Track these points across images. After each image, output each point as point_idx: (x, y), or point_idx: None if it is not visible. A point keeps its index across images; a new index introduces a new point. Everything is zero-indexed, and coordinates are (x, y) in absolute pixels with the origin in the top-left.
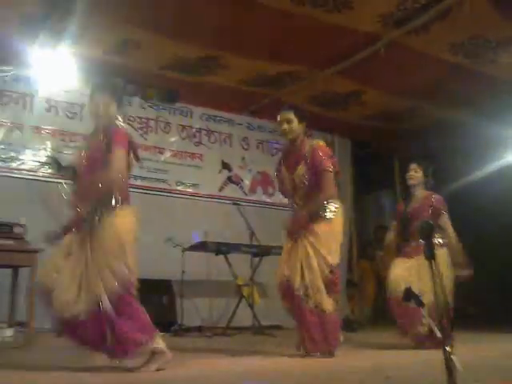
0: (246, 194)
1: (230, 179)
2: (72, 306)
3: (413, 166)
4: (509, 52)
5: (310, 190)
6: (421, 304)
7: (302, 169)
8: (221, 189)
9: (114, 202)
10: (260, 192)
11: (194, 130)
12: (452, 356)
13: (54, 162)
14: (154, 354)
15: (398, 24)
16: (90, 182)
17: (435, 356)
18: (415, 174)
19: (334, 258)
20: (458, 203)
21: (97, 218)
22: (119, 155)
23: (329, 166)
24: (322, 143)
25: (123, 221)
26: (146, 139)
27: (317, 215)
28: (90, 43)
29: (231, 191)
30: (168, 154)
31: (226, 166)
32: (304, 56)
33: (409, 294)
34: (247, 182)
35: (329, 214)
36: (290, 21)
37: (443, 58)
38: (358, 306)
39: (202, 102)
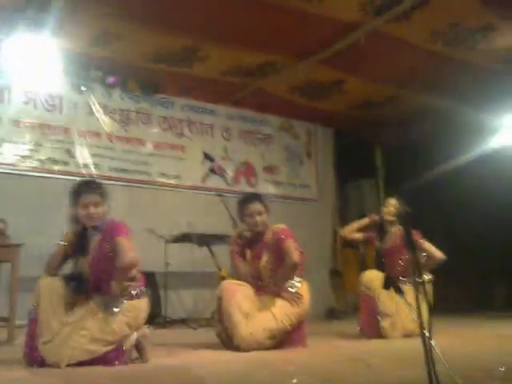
0: (229, 185)
1: (212, 170)
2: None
3: (392, 201)
4: (488, 38)
5: (276, 277)
6: (401, 292)
7: (266, 256)
8: (203, 180)
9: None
10: (243, 182)
11: (175, 121)
12: (431, 341)
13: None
14: None
15: (379, 12)
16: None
17: (416, 342)
18: (394, 210)
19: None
20: (440, 190)
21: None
22: (125, 242)
23: (290, 240)
24: (282, 226)
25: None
26: (126, 131)
27: (283, 289)
28: (68, 35)
29: (214, 182)
30: (150, 146)
31: (208, 156)
32: (284, 46)
33: (389, 282)
34: (230, 173)
35: (294, 289)
36: (270, 10)
37: (424, 46)
38: (342, 294)
39: (183, 93)
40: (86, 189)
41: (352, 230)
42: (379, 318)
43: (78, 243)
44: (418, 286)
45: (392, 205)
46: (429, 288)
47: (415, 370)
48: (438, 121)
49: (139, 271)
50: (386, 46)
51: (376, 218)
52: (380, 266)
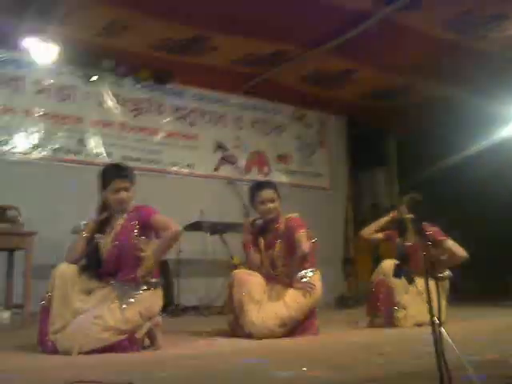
0: (241, 174)
1: (224, 159)
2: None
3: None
4: (500, 27)
5: (289, 265)
6: (412, 281)
7: (279, 245)
8: (216, 169)
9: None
10: (255, 171)
11: (187, 110)
12: (441, 329)
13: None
14: None
15: (390, 0)
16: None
17: (427, 331)
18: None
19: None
20: (452, 179)
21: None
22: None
23: (302, 230)
24: (295, 215)
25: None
26: (139, 120)
27: (295, 279)
28: (78, 24)
29: (226, 171)
30: (162, 135)
31: (220, 145)
32: (296, 34)
33: (400, 270)
34: (242, 162)
35: (306, 278)
36: None
37: (435, 34)
38: (355, 282)
39: (195, 83)
40: (118, 174)
41: (372, 231)
42: (395, 308)
43: (100, 228)
44: (429, 279)
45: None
46: (445, 284)
47: (427, 358)
48: (451, 109)
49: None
50: (397, 35)
51: (394, 215)
52: (402, 264)
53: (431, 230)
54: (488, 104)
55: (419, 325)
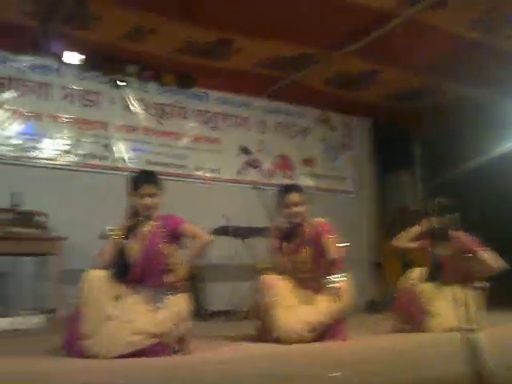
0: (266, 178)
1: (248, 163)
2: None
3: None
4: None
5: (317, 270)
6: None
7: (305, 252)
8: (240, 173)
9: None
10: (280, 175)
11: (211, 114)
12: (475, 335)
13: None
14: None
15: (414, 0)
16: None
17: (457, 337)
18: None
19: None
20: (479, 181)
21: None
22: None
23: (330, 235)
24: (323, 220)
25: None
26: (163, 125)
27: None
28: (104, 30)
29: (250, 175)
30: (186, 140)
31: (244, 149)
32: (320, 37)
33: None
34: (266, 166)
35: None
36: (305, 1)
37: (461, 34)
38: (383, 287)
39: (219, 86)
40: (146, 180)
41: (404, 241)
42: (424, 316)
43: (128, 234)
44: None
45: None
46: (481, 294)
47: (459, 364)
48: (477, 111)
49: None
50: (422, 35)
51: (424, 226)
52: (435, 273)
53: (465, 239)
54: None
55: (451, 330)
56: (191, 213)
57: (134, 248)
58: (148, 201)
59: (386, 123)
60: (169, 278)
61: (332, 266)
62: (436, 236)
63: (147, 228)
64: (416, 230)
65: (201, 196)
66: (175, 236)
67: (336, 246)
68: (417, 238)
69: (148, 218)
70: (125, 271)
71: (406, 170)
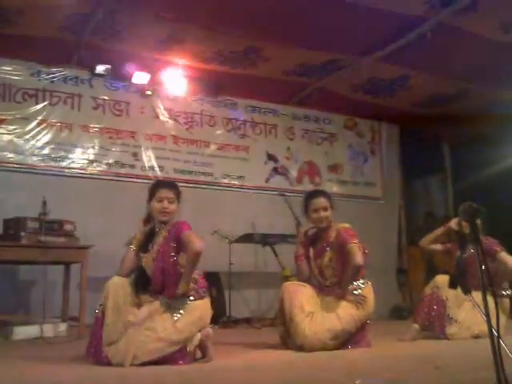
0: (293, 185)
1: (276, 170)
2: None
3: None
4: None
5: (339, 276)
6: (467, 291)
7: (329, 255)
8: (267, 180)
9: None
10: (307, 181)
11: (238, 122)
12: (500, 341)
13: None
14: None
15: (445, 4)
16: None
17: (485, 343)
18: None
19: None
20: (510, 186)
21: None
22: (191, 233)
23: (354, 240)
24: (346, 225)
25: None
26: (191, 133)
27: (347, 292)
28: (133, 40)
29: (278, 182)
30: (213, 148)
31: (271, 157)
32: (347, 43)
33: (455, 281)
34: (293, 173)
35: (358, 291)
36: (331, 7)
37: (493, 37)
38: (409, 293)
39: (246, 94)
40: (163, 185)
41: (430, 241)
42: (448, 323)
43: (146, 241)
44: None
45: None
46: (505, 301)
47: (485, 371)
48: (507, 114)
49: (196, 276)
50: (452, 40)
51: (450, 226)
52: (461, 276)
53: (486, 241)
54: None
55: (475, 337)
56: (218, 220)
57: (148, 260)
58: (165, 204)
59: (414, 128)
60: (177, 291)
61: (356, 273)
62: (462, 240)
63: (161, 238)
64: (440, 231)
65: (228, 203)
66: (180, 243)
67: (360, 252)
68: (443, 242)
69: (163, 224)
70: (145, 282)
71: (434, 175)
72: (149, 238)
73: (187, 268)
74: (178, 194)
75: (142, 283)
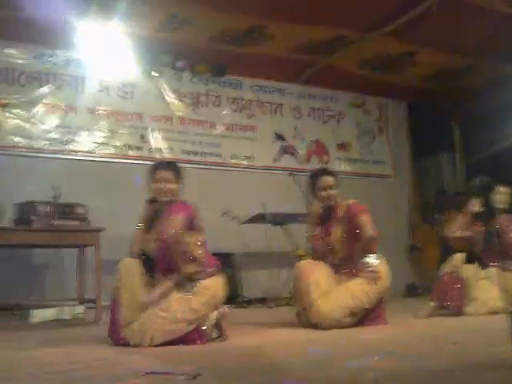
0: (301, 164)
1: (284, 149)
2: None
3: (503, 188)
4: None
5: (350, 251)
6: (485, 266)
7: (338, 230)
8: (275, 160)
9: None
10: (315, 160)
11: (245, 101)
12: None
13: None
14: None
15: None
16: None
17: (500, 319)
18: (505, 198)
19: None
20: None
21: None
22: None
23: (364, 215)
24: (354, 201)
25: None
26: (197, 114)
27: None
28: (138, 20)
29: (286, 162)
30: (220, 128)
31: (279, 136)
32: (353, 19)
33: (473, 257)
34: (301, 152)
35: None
36: None
37: (500, 9)
38: (422, 270)
39: (252, 73)
40: (160, 166)
41: (456, 229)
42: (466, 300)
43: (151, 221)
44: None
45: (503, 192)
46: None
47: (503, 346)
48: None
49: (201, 257)
50: (459, 13)
51: (473, 210)
52: (492, 249)
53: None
54: None
55: (492, 313)
56: (228, 201)
57: (149, 240)
58: (162, 185)
59: (423, 105)
60: (190, 268)
61: (370, 245)
62: (487, 216)
63: (164, 215)
64: (462, 218)
65: (237, 184)
66: (192, 226)
67: (371, 224)
68: (466, 225)
69: (166, 205)
70: (151, 263)
71: (444, 152)
72: (154, 218)
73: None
74: (177, 174)
75: (150, 265)
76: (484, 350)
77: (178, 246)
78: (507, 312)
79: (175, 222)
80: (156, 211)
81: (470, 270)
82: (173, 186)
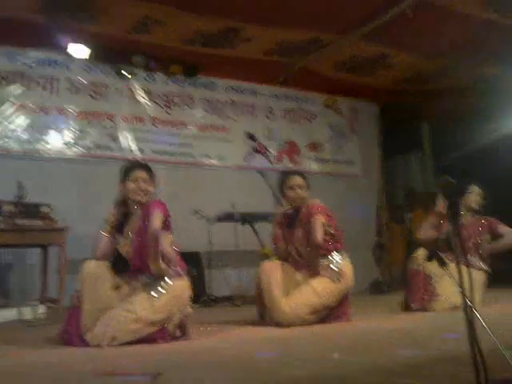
0: (273, 164)
1: (255, 150)
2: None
3: (476, 189)
4: None
5: (311, 253)
6: (444, 264)
7: (299, 233)
8: (247, 160)
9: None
10: (287, 161)
11: (218, 102)
12: (474, 312)
13: None
14: None
15: None
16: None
17: (461, 315)
18: (479, 199)
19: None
20: (489, 160)
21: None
22: (157, 215)
23: (316, 216)
24: (316, 201)
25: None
26: (170, 114)
27: (320, 268)
28: (111, 22)
29: (257, 162)
30: (193, 128)
31: (250, 136)
32: (327, 21)
33: (432, 255)
34: (273, 152)
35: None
36: None
37: (474, 14)
38: (388, 268)
39: (226, 75)
40: (138, 165)
41: (424, 230)
42: (431, 297)
43: (120, 224)
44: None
45: (476, 193)
46: (480, 275)
47: (460, 342)
48: (486, 93)
49: (172, 256)
50: (432, 17)
51: (440, 210)
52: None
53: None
54: None
55: (455, 308)
56: (198, 200)
57: (125, 243)
58: (141, 184)
59: (394, 106)
60: (160, 266)
61: (316, 250)
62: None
63: (137, 219)
64: (431, 219)
65: (207, 183)
66: (165, 223)
67: (321, 228)
68: (433, 225)
69: (138, 204)
70: (122, 265)
71: (414, 152)
72: (124, 221)
73: (150, 252)
74: (152, 176)
75: (121, 266)
76: (442, 347)
77: (155, 244)
78: (463, 305)
79: (157, 219)
80: (126, 214)
81: (434, 267)
82: (149, 187)
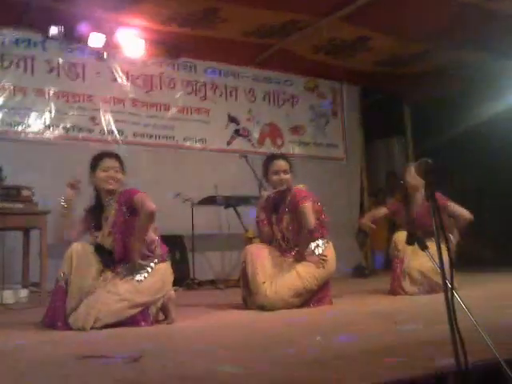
0: (255, 147)
1: (237, 132)
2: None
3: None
4: None
5: (298, 237)
6: (425, 247)
7: (286, 218)
8: (229, 143)
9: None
10: (269, 143)
11: (198, 84)
12: (455, 295)
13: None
14: None
15: None
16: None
17: (441, 299)
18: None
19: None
20: (470, 145)
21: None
22: (143, 196)
23: (306, 202)
24: (301, 186)
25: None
26: (150, 96)
27: (306, 254)
28: (88, 1)
29: (240, 144)
30: (174, 111)
31: (232, 119)
32: (307, 3)
33: (412, 238)
34: (255, 135)
35: (318, 250)
36: None
37: None
38: (370, 252)
39: (207, 56)
40: (108, 155)
41: (370, 218)
42: (402, 278)
43: (96, 217)
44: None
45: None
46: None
47: (440, 325)
48: (468, 75)
49: (155, 242)
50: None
51: (392, 208)
52: (413, 231)
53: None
54: (507, 68)
55: (433, 290)
56: (180, 183)
57: (104, 236)
58: (111, 173)
59: (375, 90)
60: (134, 257)
61: (310, 236)
62: (406, 198)
63: (112, 210)
64: (380, 212)
65: (190, 166)
66: (133, 208)
67: (311, 214)
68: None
69: (111, 194)
70: (107, 254)
71: (396, 136)
72: (98, 213)
73: (140, 228)
74: (122, 164)
75: (106, 256)
76: (424, 329)
77: (147, 225)
78: (443, 286)
79: (148, 200)
80: (99, 206)
81: (410, 247)
82: (120, 175)
